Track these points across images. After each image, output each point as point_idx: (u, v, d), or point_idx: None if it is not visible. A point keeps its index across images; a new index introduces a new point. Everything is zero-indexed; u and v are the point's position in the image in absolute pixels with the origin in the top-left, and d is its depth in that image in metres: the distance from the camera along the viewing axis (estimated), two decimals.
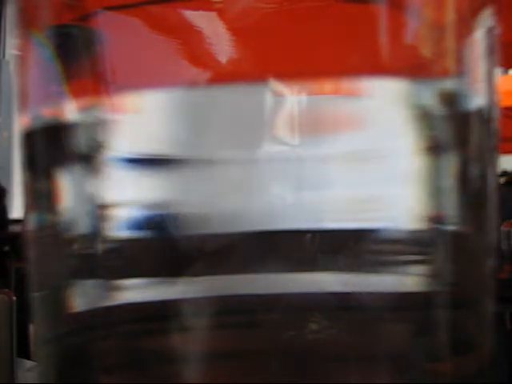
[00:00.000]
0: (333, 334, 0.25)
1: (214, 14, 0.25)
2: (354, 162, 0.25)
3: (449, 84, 0.27)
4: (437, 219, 0.26)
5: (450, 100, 0.27)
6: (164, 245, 0.25)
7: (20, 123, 0.29)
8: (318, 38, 0.25)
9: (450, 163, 0.27)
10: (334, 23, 0.26)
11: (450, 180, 0.27)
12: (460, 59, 0.27)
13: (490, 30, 0.28)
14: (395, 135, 0.26)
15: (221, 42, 0.25)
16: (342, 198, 0.25)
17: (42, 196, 0.28)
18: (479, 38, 0.28)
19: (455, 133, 0.27)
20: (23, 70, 0.30)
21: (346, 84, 0.26)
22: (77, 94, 0.27)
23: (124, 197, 0.26)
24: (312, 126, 0.25)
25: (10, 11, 0.31)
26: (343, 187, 0.26)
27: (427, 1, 0.27)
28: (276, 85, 0.24)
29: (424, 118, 0.26)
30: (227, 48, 0.25)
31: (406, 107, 0.26)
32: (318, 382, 0.24)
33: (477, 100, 0.28)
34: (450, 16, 0.27)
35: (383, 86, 0.26)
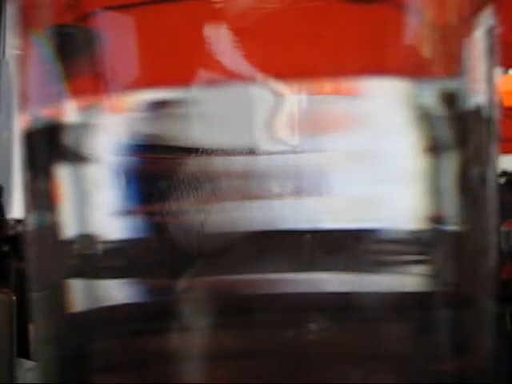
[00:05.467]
0: (333, 334, 0.25)
1: (214, 14, 0.25)
2: (354, 161, 0.25)
3: (449, 84, 0.27)
4: (437, 219, 0.26)
5: (450, 100, 0.27)
6: (164, 245, 0.25)
7: (20, 123, 0.29)
8: (319, 37, 0.25)
9: (450, 163, 0.27)
10: (334, 23, 0.26)
11: (449, 180, 0.27)
12: (460, 59, 0.27)
13: (490, 30, 0.28)
14: (395, 135, 0.26)
15: (221, 41, 0.25)
16: (342, 197, 0.25)
17: (41, 196, 0.28)
18: (479, 38, 0.28)
19: (455, 133, 0.27)
20: (23, 70, 0.30)
21: (346, 84, 0.26)
22: (77, 93, 0.27)
23: (124, 196, 0.26)
24: (312, 126, 0.25)
25: (10, 11, 0.31)
26: (343, 187, 0.26)
27: (427, 1, 0.27)
28: (276, 85, 0.24)
29: (424, 118, 0.26)
30: (227, 48, 0.25)
31: (406, 107, 0.26)
32: (318, 382, 0.24)
33: (477, 100, 0.28)
34: (450, 16, 0.27)
35: (383, 85, 0.26)
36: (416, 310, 0.26)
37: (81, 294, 0.27)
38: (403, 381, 0.25)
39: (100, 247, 0.26)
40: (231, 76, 0.25)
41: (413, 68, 0.26)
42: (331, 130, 0.25)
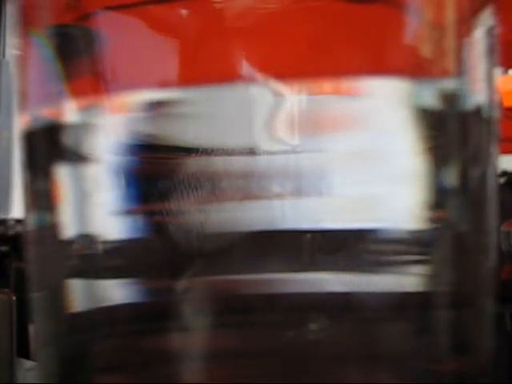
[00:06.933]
0: (333, 334, 0.25)
1: (213, 14, 0.25)
2: (353, 161, 0.25)
3: (449, 84, 0.27)
4: (437, 219, 0.26)
5: (450, 100, 0.27)
6: (164, 245, 0.25)
7: (20, 123, 0.29)
8: (319, 37, 0.25)
9: (450, 163, 0.27)
10: (334, 23, 0.26)
11: (449, 180, 0.27)
12: (460, 59, 0.27)
13: (489, 30, 0.28)
14: (395, 135, 0.26)
15: (221, 41, 0.25)
16: (342, 197, 0.25)
17: (41, 196, 0.29)
18: (479, 38, 0.28)
19: (455, 133, 0.27)
20: (23, 70, 0.30)
21: (346, 84, 0.26)
22: (77, 94, 0.27)
23: (124, 196, 0.26)
24: (312, 126, 0.25)
25: (10, 11, 0.31)
26: (343, 187, 0.26)
27: (427, 1, 0.27)
28: (276, 85, 0.24)
29: (424, 117, 0.26)
30: (227, 48, 0.25)
31: (406, 107, 0.26)
32: (318, 382, 0.24)
33: (477, 100, 0.28)
34: (450, 16, 0.27)
35: (383, 85, 0.26)
36: (416, 310, 0.26)
37: (81, 294, 0.27)
38: (403, 381, 0.25)
39: (100, 247, 0.26)
40: (231, 76, 0.25)
41: (413, 68, 0.26)
42: (331, 129, 0.25)
